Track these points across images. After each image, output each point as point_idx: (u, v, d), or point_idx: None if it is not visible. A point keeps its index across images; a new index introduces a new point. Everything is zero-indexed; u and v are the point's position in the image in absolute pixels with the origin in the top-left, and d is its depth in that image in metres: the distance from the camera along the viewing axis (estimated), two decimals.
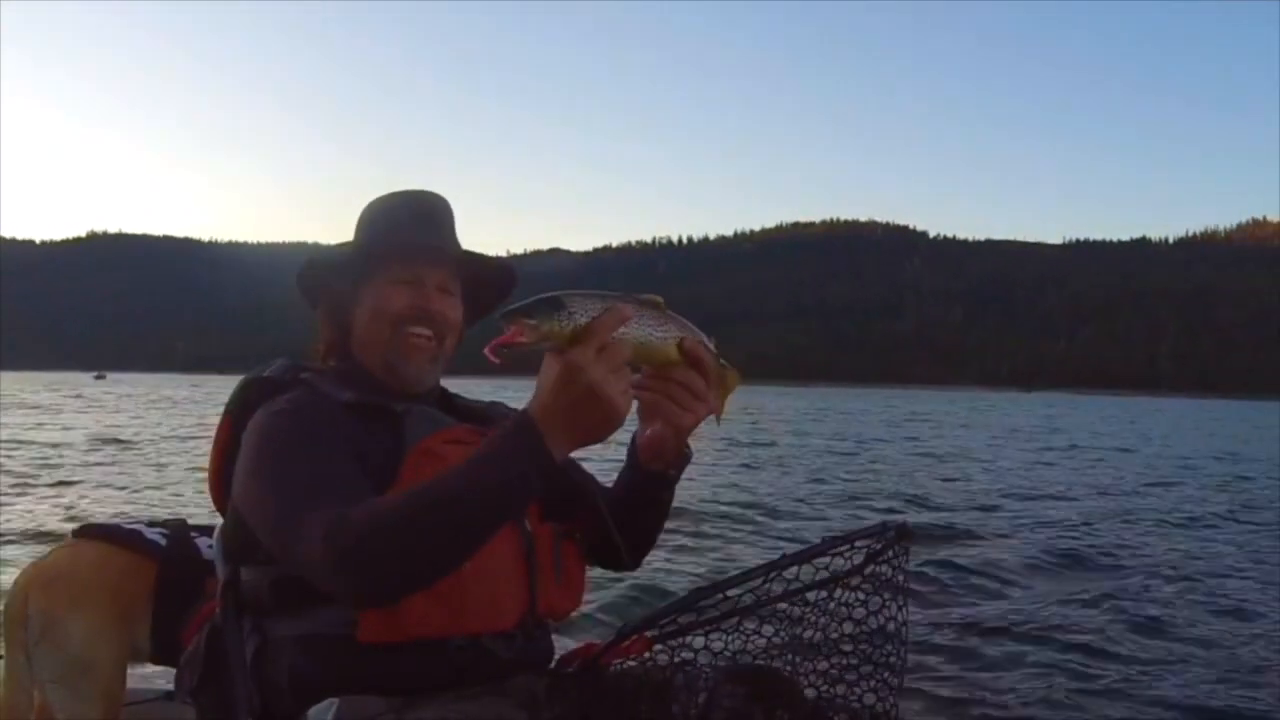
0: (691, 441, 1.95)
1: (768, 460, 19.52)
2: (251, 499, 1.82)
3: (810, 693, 1.85)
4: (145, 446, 20.33)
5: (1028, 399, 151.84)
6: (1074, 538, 10.07)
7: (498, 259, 2.22)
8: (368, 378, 2.04)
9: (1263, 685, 5.21)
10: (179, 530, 2.52)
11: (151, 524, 2.57)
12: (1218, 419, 61.91)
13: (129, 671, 2.48)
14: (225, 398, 2.01)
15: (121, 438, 22.31)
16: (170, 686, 2.57)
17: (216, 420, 2.01)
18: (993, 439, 30.92)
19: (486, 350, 1.55)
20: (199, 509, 10.50)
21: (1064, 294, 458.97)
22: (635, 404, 1.71)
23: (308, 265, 2.12)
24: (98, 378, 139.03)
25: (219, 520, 2.07)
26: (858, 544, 1.83)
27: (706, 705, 1.79)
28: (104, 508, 11.01)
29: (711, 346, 1.72)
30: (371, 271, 2.05)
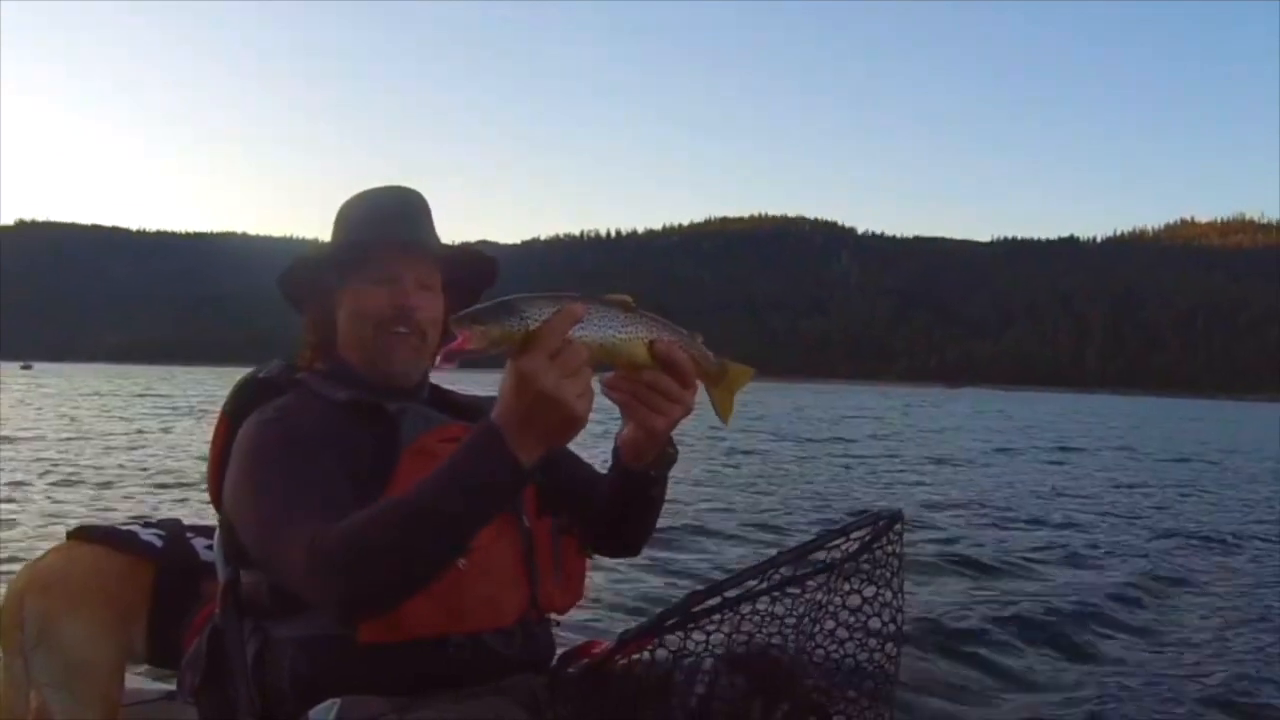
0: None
1: (722, 456, 19.42)
2: (239, 509, 1.85)
3: (809, 681, 1.86)
4: (87, 441, 20.10)
5: (956, 395, 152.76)
6: (1059, 530, 10.41)
7: (475, 250, 2.21)
8: (356, 377, 2.04)
9: (1261, 679, 5.30)
10: (175, 531, 2.48)
11: (147, 524, 2.52)
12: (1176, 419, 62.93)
13: (125, 673, 2.46)
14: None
15: (69, 433, 22.01)
16: (167, 688, 2.56)
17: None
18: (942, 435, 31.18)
19: (439, 358, 1.53)
20: (122, 506, 10.31)
21: (992, 292, 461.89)
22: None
23: (291, 270, 2.11)
24: (24, 368, 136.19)
25: (217, 520, 2.06)
26: (853, 535, 1.82)
27: (706, 697, 1.79)
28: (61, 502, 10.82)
29: (698, 345, 1.70)
30: (350, 272, 2.04)
